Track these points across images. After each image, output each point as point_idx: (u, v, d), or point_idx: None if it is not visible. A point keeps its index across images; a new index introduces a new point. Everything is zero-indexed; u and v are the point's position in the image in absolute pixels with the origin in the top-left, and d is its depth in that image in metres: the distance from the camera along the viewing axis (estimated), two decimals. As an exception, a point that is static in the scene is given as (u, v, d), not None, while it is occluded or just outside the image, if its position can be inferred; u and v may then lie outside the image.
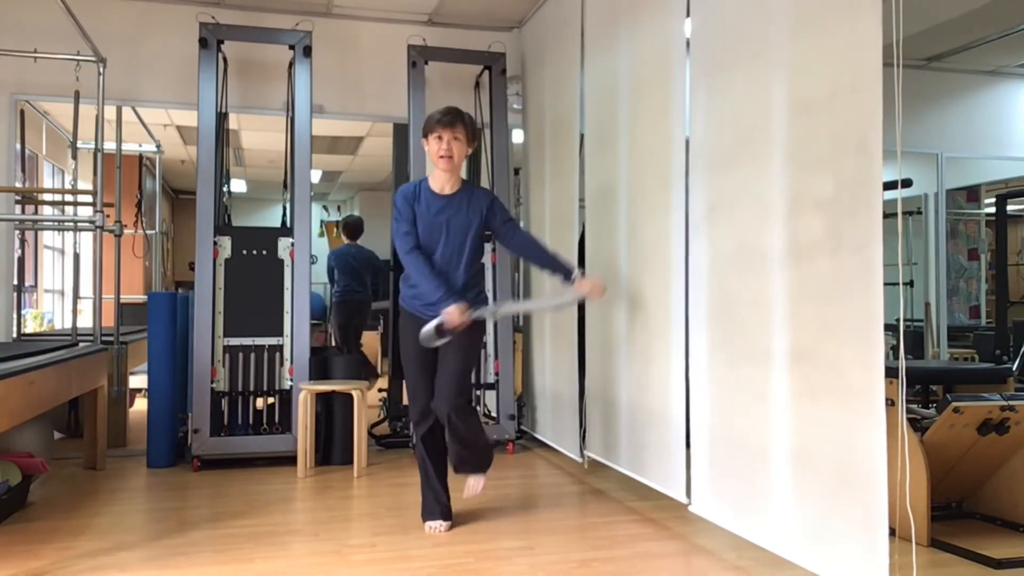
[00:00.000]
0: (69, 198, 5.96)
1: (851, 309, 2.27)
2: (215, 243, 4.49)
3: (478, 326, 3.25)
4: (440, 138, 3.16)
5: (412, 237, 3.16)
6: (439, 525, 3.23)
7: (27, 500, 3.57)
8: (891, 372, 2.46)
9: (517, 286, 5.33)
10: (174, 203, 11.95)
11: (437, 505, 3.27)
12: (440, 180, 3.21)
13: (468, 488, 3.32)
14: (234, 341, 4.47)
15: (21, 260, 5.75)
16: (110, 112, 5.16)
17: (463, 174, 3.37)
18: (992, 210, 5.17)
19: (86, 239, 6.84)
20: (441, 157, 3.16)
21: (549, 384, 4.70)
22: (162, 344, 4.43)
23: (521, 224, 5.39)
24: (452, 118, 3.16)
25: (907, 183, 4.83)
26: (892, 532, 2.16)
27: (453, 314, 2.98)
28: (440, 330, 3.00)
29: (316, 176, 10.70)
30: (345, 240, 7.00)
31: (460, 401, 3.16)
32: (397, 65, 5.15)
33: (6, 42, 4.59)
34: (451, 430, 3.17)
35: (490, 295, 4.76)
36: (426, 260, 3.13)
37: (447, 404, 3.13)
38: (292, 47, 4.74)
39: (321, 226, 11.18)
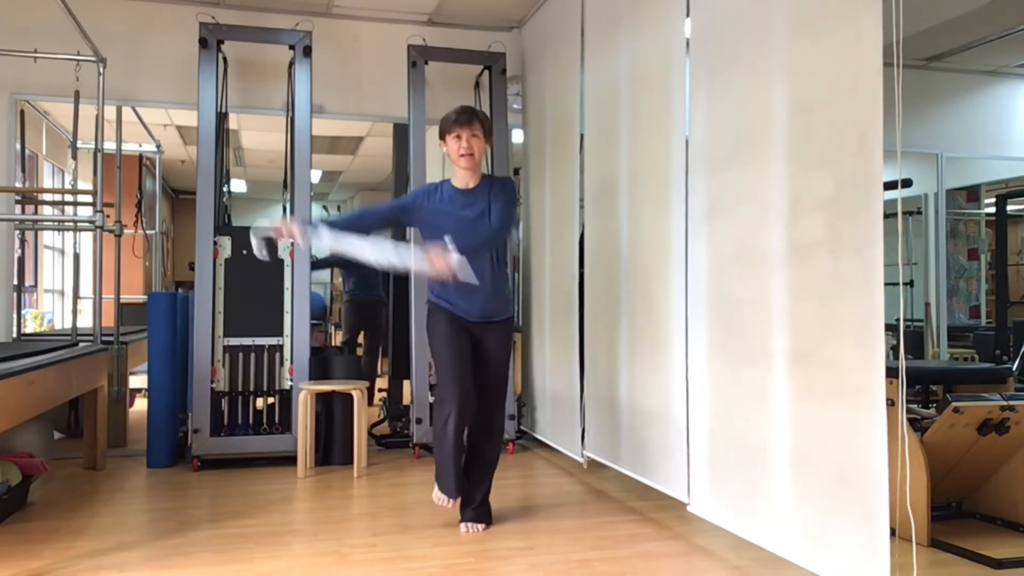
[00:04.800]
0: (69, 198, 5.96)
1: (851, 309, 2.27)
2: (215, 243, 4.49)
3: (510, 334, 3.35)
4: (459, 137, 3.18)
5: (388, 209, 3.44)
6: (447, 500, 3.20)
7: (27, 500, 3.57)
8: (891, 372, 2.46)
9: (516, 286, 5.33)
10: (174, 203, 11.95)
11: (455, 480, 3.18)
12: (463, 178, 3.23)
13: (464, 527, 3.23)
14: (234, 341, 4.47)
15: (21, 260, 5.75)
16: (110, 112, 5.16)
17: None
18: (992, 210, 5.17)
19: (86, 239, 6.84)
20: (462, 155, 3.18)
21: (549, 384, 4.70)
22: (162, 344, 4.43)
23: (521, 224, 5.41)
24: (469, 116, 3.19)
25: (907, 183, 4.83)
26: (892, 532, 2.16)
27: (286, 225, 3.10)
28: (270, 242, 3.14)
29: (316, 176, 10.70)
30: None
31: (502, 426, 3.35)
32: (397, 65, 5.15)
33: (6, 42, 4.59)
34: (480, 450, 3.27)
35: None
36: (363, 213, 3.43)
37: (499, 427, 3.33)
38: (292, 47, 4.74)
39: (321, 226, 11.16)
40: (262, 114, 5.23)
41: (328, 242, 3.12)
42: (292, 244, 4.58)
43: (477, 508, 3.26)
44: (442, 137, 3.23)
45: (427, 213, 3.21)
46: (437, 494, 3.24)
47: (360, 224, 3.24)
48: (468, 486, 3.27)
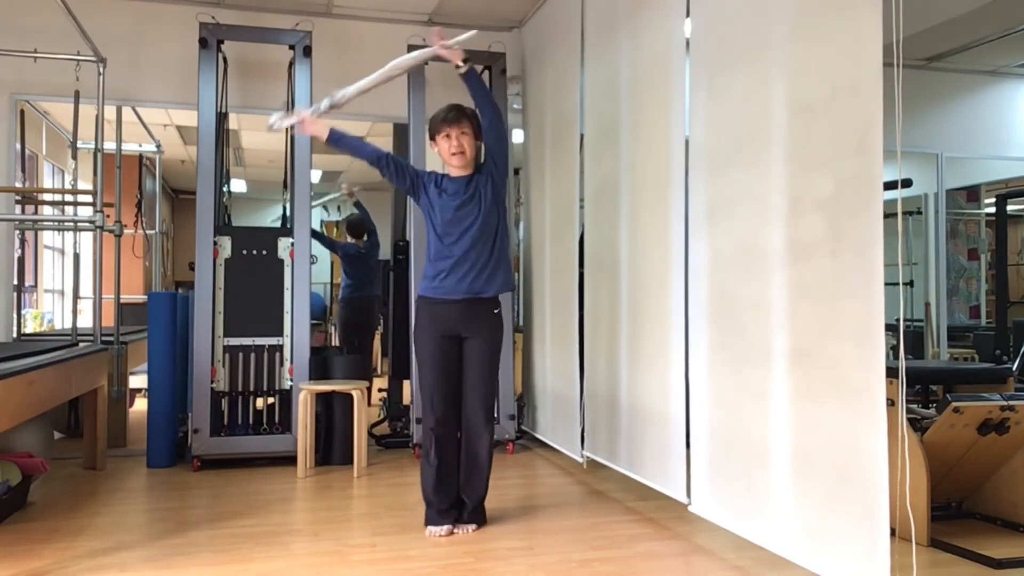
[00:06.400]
0: (69, 198, 5.96)
1: (851, 309, 2.27)
2: (215, 243, 4.49)
3: (501, 326, 3.26)
4: (448, 136, 3.16)
5: (389, 154, 3.28)
6: (441, 530, 3.17)
7: (27, 500, 3.57)
8: (891, 372, 2.46)
9: (516, 286, 5.33)
10: (174, 203, 11.94)
11: (436, 511, 3.20)
12: (457, 173, 3.23)
13: (459, 528, 3.21)
14: (234, 341, 4.47)
15: (21, 260, 5.76)
16: (110, 112, 5.16)
17: None
18: (992, 210, 5.17)
19: (86, 239, 6.84)
20: (453, 154, 3.17)
21: (549, 384, 4.70)
22: (162, 344, 4.43)
23: (521, 224, 5.41)
24: (456, 114, 3.17)
25: (907, 183, 4.83)
26: (892, 532, 2.16)
27: (303, 114, 3.27)
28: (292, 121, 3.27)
29: (316, 176, 10.69)
30: (348, 239, 6.99)
31: (490, 427, 3.24)
32: (397, 65, 5.14)
33: (6, 42, 4.59)
34: (469, 454, 3.21)
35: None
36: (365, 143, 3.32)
37: (482, 430, 3.20)
38: (292, 47, 4.74)
39: (321, 226, 11.17)
40: (262, 114, 5.20)
41: (327, 105, 3.32)
42: (292, 244, 4.58)
43: (471, 512, 3.22)
44: (432, 138, 3.22)
45: (429, 197, 3.22)
46: (429, 528, 3.18)
47: (360, 144, 3.29)
48: (460, 495, 3.23)
